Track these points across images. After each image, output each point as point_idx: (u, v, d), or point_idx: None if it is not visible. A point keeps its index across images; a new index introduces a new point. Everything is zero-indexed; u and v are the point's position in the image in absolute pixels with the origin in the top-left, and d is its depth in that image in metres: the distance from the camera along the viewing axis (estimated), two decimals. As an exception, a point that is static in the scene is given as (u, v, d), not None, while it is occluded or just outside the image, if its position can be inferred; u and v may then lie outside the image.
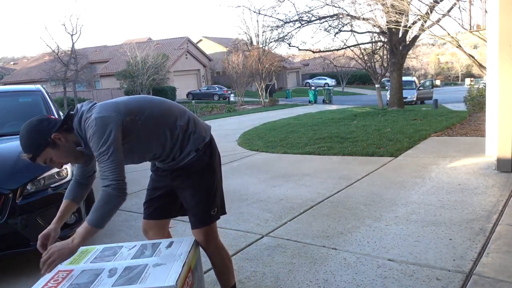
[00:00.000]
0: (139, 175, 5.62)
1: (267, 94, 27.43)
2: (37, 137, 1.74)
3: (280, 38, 16.09)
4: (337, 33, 15.37)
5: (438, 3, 11.89)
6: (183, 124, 1.96)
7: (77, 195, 2.02)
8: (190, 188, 1.99)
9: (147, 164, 2.21)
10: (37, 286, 1.58)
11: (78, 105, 1.86)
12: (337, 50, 17.70)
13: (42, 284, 1.60)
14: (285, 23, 15.35)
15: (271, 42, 22.14)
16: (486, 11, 6.20)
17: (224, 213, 2.17)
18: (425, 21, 11.37)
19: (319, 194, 4.34)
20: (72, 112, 1.84)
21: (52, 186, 3.10)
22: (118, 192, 1.71)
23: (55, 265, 1.66)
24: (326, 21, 15.05)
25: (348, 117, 11.33)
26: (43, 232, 1.88)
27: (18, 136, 1.79)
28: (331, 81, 41.97)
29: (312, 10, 15.07)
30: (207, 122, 2.21)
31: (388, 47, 15.42)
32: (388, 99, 16.84)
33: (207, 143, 2.04)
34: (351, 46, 17.46)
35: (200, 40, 44.81)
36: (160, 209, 2.16)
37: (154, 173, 2.17)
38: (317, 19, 14.98)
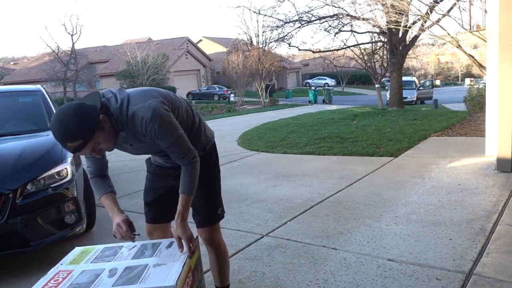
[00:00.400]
0: (139, 175, 5.62)
1: (267, 94, 27.43)
2: (87, 120, 1.59)
3: (280, 38, 16.11)
4: (337, 33, 15.40)
5: (438, 3, 11.90)
6: (197, 122, 2.03)
7: (111, 186, 1.98)
8: (198, 188, 1.97)
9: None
10: (38, 286, 1.58)
11: (110, 91, 1.78)
12: (337, 50, 17.72)
13: (42, 284, 1.60)
14: (285, 23, 15.37)
15: (271, 42, 22.18)
16: (486, 11, 6.20)
17: (224, 212, 2.20)
18: (425, 21, 11.37)
19: (319, 194, 4.34)
20: (104, 98, 1.74)
21: (52, 186, 3.10)
22: (197, 159, 1.87)
23: (194, 242, 1.81)
24: (326, 21, 15.07)
25: (348, 117, 11.33)
26: (121, 224, 1.86)
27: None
28: (331, 81, 41.97)
29: (312, 10, 15.11)
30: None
31: (388, 47, 15.43)
32: (388, 99, 16.84)
33: (213, 143, 2.14)
34: (351, 46, 17.48)
35: (200, 40, 44.82)
36: (163, 212, 2.16)
37: (153, 173, 2.15)
38: (317, 19, 15.00)
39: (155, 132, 1.73)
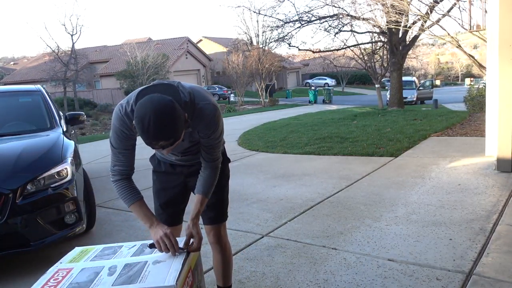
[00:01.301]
0: (139, 175, 5.61)
1: (267, 94, 27.45)
2: (180, 120, 1.52)
3: (280, 38, 16.10)
4: (337, 33, 15.39)
5: (438, 3, 11.90)
6: None
7: (138, 190, 1.88)
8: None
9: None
10: (37, 285, 1.58)
11: (174, 83, 1.68)
12: (337, 50, 17.71)
13: (42, 283, 1.59)
14: (285, 23, 15.36)
15: (271, 42, 22.20)
16: (486, 11, 6.20)
17: None
18: (425, 21, 11.37)
19: (319, 194, 4.34)
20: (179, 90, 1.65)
21: (52, 186, 3.10)
22: (220, 164, 1.95)
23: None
24: (326, 21, 15.07)
25: (348, 117, 11.33)
26: (169, 235, 1.71)
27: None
28: (331, 81, 41.99)
29: (312, 10, 15.10)
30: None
31: (388, 47, 15.43)
32: (388, 99, 16.84)
33: (224, 144, 2.14)
34: (351, 46, 17.47)
35: (200, 40, 44.83)
36: (178, 214, 2.16)
37: (165, 172, 2.10)
38: (317, 19, 14.99)
39: (213, 131, 1.75)
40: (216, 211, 2.07)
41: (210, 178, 1.89)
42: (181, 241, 1.87)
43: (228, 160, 2.17)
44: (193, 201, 2.06)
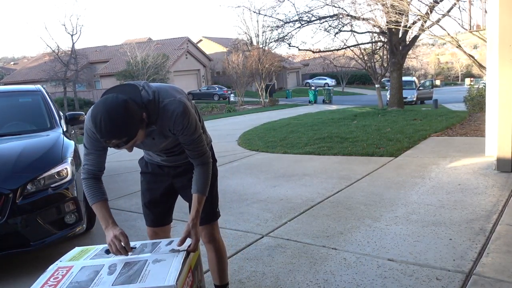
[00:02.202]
0: (139, 176, 5.62)
1: (267, 94, 27.45)
2: (133, 118, 1.58)
3: (280, 38, 16.10)
4: (337, 33, 15.40)
5: (438, 3, 11.90)
6: (201, 122, 2.04)
7: (104, 191, 1.91)
8: None
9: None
10: (37, 284, 1.58)
11: (139, 84, 1.72)
12: (337, 50, 17.72)
13: (42, 282, 1.59)
14: (285, 23, 15.36)
15: (271, 42, 22.15)
16: (486, 11, 6.20)
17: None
18: (425, 21, 11.37)
19: (319, 194, 4.34)
20: (140, 91, 1.70)
21: (52, 186, 3.10)
22: (211, 160, 1.95)
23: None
24: (326, 21, 15.07)
25: (348, 117, 11.33)
26: (119, 237, 1.74)
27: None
28: (331, 81, 41.99)
29: (312, 10, 15.11)
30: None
31: (388, 47, 15.43)
32: (388, 99, 16.84)
33: (210, 144, 2.15)
34: (351, 46, 17.48)
35: (200, 40, 44.83)
36: (164, 214, 2.18)
37: (151, 173, 2.13)
38: (317, 19, 15.00)
39: (183, 127, 1.76)
40: (206, 211, 2.07)
41: (202, 175, 1.90)
42: (175, 241, 1.87)
43: (215, 160, 2.16)
44: (188, 204, 2.08)
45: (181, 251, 1.74)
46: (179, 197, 2.21)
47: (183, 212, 2.44)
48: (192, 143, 1.84)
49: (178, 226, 3.48)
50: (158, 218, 2.17)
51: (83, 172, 1.90)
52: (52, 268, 1.70)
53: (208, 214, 2.10)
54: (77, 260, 1.76)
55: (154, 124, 1.74)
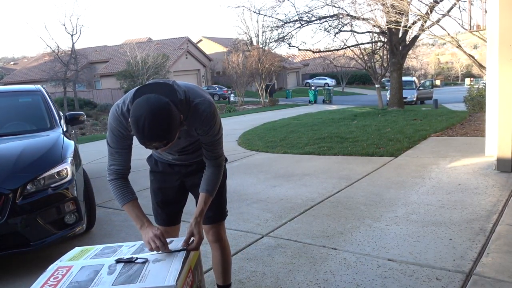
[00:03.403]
0: (139, 175, 5.62)
1: (267, 94, 27.44)
2: (175, 122, 1.54)
3: (280, 38, 16.11)
4: (337, 33, 15.40)
5: (438, 3, 11.91)
6: None
7: (132, 190, 1.87)
8: None
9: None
10: (37, 284, 1.58)
11: (169, 82, 1.69)
12: (337, 50, 17.72)
13: (42, 282, 1.59)
14: (285, 23, 15.37)
15: (271, 42, 22.19)
16: (486, 11, 6.20)
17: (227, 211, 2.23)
18: (425, 21, 11.36)
19: (319, 194, 4.34)
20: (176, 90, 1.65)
21: (52, 186, 3.10)
22: (224, 163, 1.97)
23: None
24: (326, 21, 15.07)
25: (348, 117, 11.33)
26: (159, 236, 1.73)
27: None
28: (331, 81, 41.98)
29: (312, 10, 15.11)
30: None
31: (388, 47, 15.43)
32: (388, 99, 16.84)
33: None
34: (351, 46, 17.47)
35: (200, 40, 44.82)
36: (177, 213, 2.18)
37: (162, 172, 2.10)
38: (317, 19, 15.00)
39: (210, 127, 1.76)
40: (214, 210, 2.07)
41: (214, 176, 1.90)
42: (180, 240, 1.87)
43: (225, 160, 2.17)
44: (195, 201, 2.08)
45: (181, 250, 1.74)
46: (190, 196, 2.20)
47: (185, 212, 2.44)
48: (213, 144, 1.84)
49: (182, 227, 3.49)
50: (170, 217, 2.16)
51: (110, 173, 1.84)
52: (52, 268, 1.69)
53: (216, 214, 2.10)
54: (77, 260, 1.76)
55: (185, 124, 1.72)
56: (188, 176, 2.08)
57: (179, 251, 1.74)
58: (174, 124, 1.54)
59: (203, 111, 1.73)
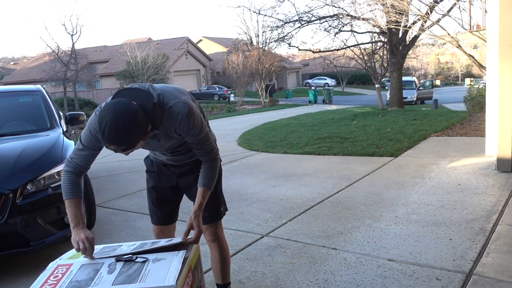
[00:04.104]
0: (139, 175, 5.62)
1: (267, 94, 27.44)
2: (140, 129, 1.58)
3: (280, 38, 16.10)
4: (337, 33, 15.39)
5: (438, 3, 11.90)
6: (206, 121, 2.05)
7: (81, 189, 1.91)
8: None
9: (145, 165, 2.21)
10: (38, 283, 1.58)
11: (143, 87, 1.74)
12: (337, 50, 17.71)
13: (42, 280, 1.59)
14: (285, 23, 15.36)
15: (271, 42, 22.16)
16: (486, 11, 6.20)
17: (227, 209, 2.23)
18: (425, 21, 11.37)
19: (319, 194, 4.34)
20: (152, 98, 1.69)
21: (52, 186, 3.10)
22: (219, 156, 1.97)
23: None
24: (326, 21, 15.07)
25: (348, 117, 11.33)
26: (89, 239, 1.74)
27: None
28: (331, 81, 41.98)
29: (312, 10, 15.11)
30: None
31: (388, 47, 15.42)
32: (388, 99, 16.84)
33: (215, 141, 2.15)
34: (351, 46, 17.47)
35: (200, 40, 44.82)
36: (171, 213, 2.19)
37: (157, 172, 2.13)
38: (317, 19, 15.00)
39: (189, 128, 1.76)
40: (210, 210, 2.08)
41: (209, 170, 1.91)
42: (174, 240, 1.87)
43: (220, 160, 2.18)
44: (193, 203, 2.08)
45: (182, 245, 1.74)
46: (184, 197, 2.21)
47: (183, 212, 2.44)
48: (199, 142, 1.85)
49: (178, 226, 3.48)
50: (165, 216, 2.17)
51: (68, 165, 1.87)
52: (51, 266, 1.69)
53: (212, 214, 2.11)
54: (77, 258, 1.76)
55: (157, 128, 1.74)
56: (182, 176, 2.10)
57: (174, 246, 1.74)
58: (136, 133, 1.57)
59: (178, 113, 1.73)
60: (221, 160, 2.13)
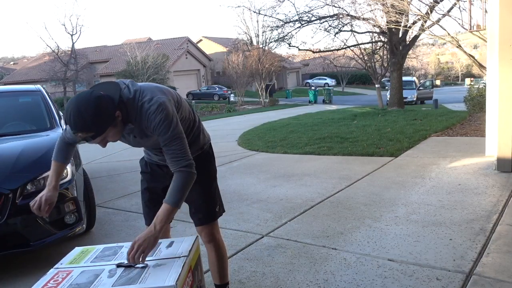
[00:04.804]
0: (139, 176, 5.61)
1: (267, 94, 27.44)
2: (103, 115, 1.60)
3: (280, 38, 16.11)
4: (337, 33, 15.39)
5: (438, 3, 11.90)
6: (197, 121, 2.06)
7: (68, 156, 2.05)
8: (196, 186, 1.94)
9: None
10: (37, 286, 1.58)
11: (123, 82, 1.78)
12: (337, 50, 17.71)
13: (42, 284, 1.59)
14: (285, 23, 15.36)
15: (271, 42, 22.14)
16: (486, 11, 6.20)
17: (224, 210, 2.22)
18: (425, 21, 11.36)
19: (319, 194, 4.34)
20: (122, 89, 1.73)
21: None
22: (193, 169, 1.79)
23: (145, 255, 1.64)
24: (326, 21, 15.06)
25: (348, 117, 11.33)
26: (41, 197, 1.93)
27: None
28: (331, 81, 41.98)
29: (312, 10, 15.10)
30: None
31: (388, 47, 15.42)
32: (388, 99, 16.84)
33: (209, 144, 2.17)
34: (351, 46, 17.46)
35: (200, 40, 44.81)
36: None
37: (151, 173, 2.14)
38: (317, 19, 14.99)
39: (155, 125, 1.74)
40: (203, 212, 2.08)
41: (174, 184, 1.76)
42: (181, 241, 1.86)
43: (212, 156, 2.17)
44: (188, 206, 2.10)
45: (182, 257, 1.74)
46: None
47: (182, 212, 2.44)
48: (167, 143, 1.74)
49: (178, 226, 3.48)
50: (153, 217, 2.17)
51: (60, 136, 2.03)
52: (52, 271, 1.69)
53: (207, 215, 2.10)
54: (78, 263, 1.76)
55: (131, 123, 1.76)
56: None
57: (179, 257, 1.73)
58: (99, 118, 1.59)
59: (147, 109, 1.73)
60: (214, 158, 2.13)
